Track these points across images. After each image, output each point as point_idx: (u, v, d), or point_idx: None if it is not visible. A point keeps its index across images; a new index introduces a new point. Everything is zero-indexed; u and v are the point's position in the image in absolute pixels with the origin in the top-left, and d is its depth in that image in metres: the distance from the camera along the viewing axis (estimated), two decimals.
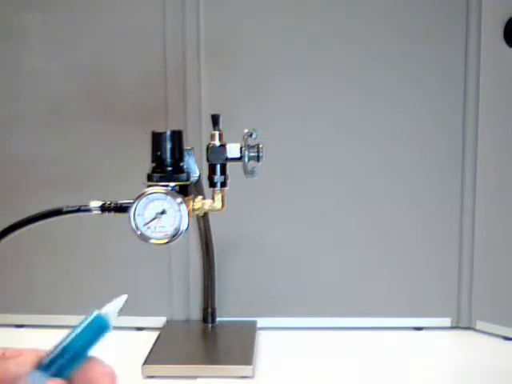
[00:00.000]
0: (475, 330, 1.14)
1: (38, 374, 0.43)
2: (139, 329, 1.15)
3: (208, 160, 0.85)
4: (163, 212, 0.78)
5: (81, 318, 0.45)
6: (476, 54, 1.09)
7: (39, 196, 1.10)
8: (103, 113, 1.13)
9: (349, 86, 1.12)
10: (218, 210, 0.85)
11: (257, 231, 1.15)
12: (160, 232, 0.78)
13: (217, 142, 0.85)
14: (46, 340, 0.46)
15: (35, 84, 1.13)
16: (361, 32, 1.11)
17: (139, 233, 0.79)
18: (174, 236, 0.78)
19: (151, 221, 0.78)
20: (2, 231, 0.84)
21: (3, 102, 1.14)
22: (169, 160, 0.80)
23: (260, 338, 1.10)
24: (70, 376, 0.44)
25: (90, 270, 1.16)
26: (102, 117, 1.13)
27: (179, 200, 0.78)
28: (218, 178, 0.85)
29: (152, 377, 0.97)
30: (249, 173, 0.85)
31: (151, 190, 0.78)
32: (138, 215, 0.78)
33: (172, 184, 0.80)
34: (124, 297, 0.47)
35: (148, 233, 0.79)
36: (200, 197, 0.85)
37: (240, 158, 0.85)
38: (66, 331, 0.45)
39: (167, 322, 1.16)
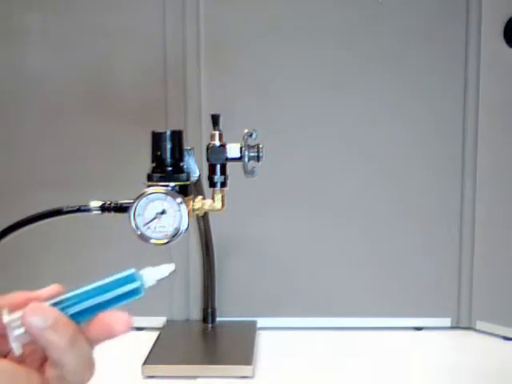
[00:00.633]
0: (475, 329, 1.14)
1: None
2: (139, 329, 1.15)
3: (208, 160, 0.85)
4: (163, 212, 0.78)
5: None
6: (476, 54, 1.09)
7: (39, 196, 1.10)
8: (103, 113, 1.13)
9: (349, 86, 1.12)
10: (218, 209, 0.85)
11: (257, 231, 1.15)
12: (160, 232, 0.78)
13: (217, 142, 0.85)
14: None
15: (35, 84, 1.13)
16: (361, 32, 1.11)
17: (139, 233, 0.78)
18: (174, 236, 0.78)
19: (151, 221, 0.78)
20: (2, 231, 0.84)
21: (3, 102, 1.14)
22: (169, 160, 0.80)
23: (260, 338, 1.10)
24: (81, 322, 0.43)
25: (91, 270, 1.15)
26: (102, 117, 1.13)
27: (179, 200, 0.78)
28: (218, 178, 0.85)
29: (152, 377, 0.97)
30: (249, 173, 0.85)
31: (151, 189, 0.78)
32: (138, 215, 0.78)
33: (172, 184, 0.79)
34: (171, 266, 0.46)
35: (148, 233, 0.78)
36: (200, 197, 0.85)
37: (240, 158, 0.85)
38: None
39: (167, 321, 1.16)
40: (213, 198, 0.85)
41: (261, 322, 1.15)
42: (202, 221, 1.08)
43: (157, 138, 0.81)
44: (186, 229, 0.79)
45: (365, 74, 1.12)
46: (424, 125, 1.13)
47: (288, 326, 1.15)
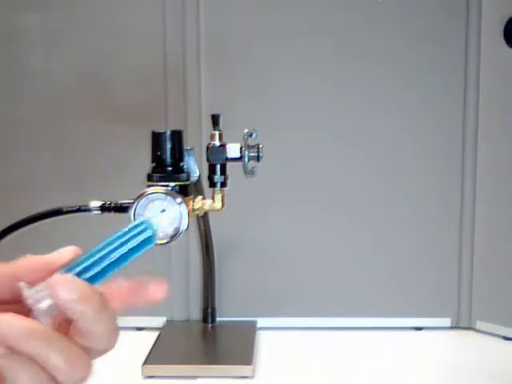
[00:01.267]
0: (475, 329, 1.14)
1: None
2: (139, 329, 1.15)
3: (208, 160, 0.85)
4: (163, 212, 0.78)
5: None
6: (476, 54, 1.09)
7: (39, 196, 1.10)
8: (103, 113, 1.13)
9: (349, 86, 1.12)
10: (218, 209, 0.85)
11: (257, 231, 1.15)
12: (160, 232, 0.78)
13: (217, 142, 0.85)
14: None
15: (35, 84, 1.13)
16: (361, 33, 1.11)
17: None
18: (174, 236, 0.78)
19: None
20: (2, 231, 0.84)
21: (3, 102, 1.14)
22: (169, 160, 0.80)
23: (260, 338, 1.10)
24: (102, 283, 0.42)
25: None
26: (102, 117, 1.13)
27: (179, 200, 0.78)
28: (218, 178, 0.85)
29: (152, 377, 0.97)
30: (249, 173, 0.85)
31: (151, 189, 0.78)
32: (138, 215, 0.78)
33: (172, 184, 0.79)
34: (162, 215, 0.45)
35: None
36: (200, 197, 0.85)
37: (240, 158, 0.85)
38: None
39: (167, 321, 1.16)
40: (213, 198, 0.85)
41: (261, 322, 1.15)
42: (202, 221, 1.08)
43: (157, 138, 0.81)
44: (186, 229, 0.79)
45: (365, 73, 1.12)
46: (424, 125, 1.13)
47: (288, 326, 1.15)
